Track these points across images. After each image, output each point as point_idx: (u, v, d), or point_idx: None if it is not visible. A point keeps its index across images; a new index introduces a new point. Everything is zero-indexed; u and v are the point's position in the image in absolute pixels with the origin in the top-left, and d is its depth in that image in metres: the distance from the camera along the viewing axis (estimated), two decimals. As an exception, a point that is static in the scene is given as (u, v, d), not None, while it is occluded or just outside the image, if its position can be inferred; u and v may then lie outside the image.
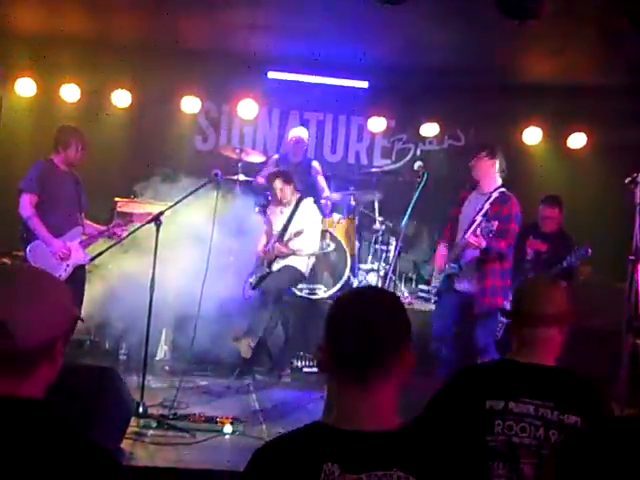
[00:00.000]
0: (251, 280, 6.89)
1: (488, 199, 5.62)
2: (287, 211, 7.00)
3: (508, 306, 6.64)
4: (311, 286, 7.40)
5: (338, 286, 7.36)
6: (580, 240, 6.47)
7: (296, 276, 6.95)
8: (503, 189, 5.69)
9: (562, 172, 8.55)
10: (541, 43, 6.95)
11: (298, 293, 7.34)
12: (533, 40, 6.76)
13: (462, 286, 5.69)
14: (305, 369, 6.87)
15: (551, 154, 8.86)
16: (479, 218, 5.54)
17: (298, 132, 8.19)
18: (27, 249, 5.95)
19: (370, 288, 2.13)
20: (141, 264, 5.74)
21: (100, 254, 4.89)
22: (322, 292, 7.42)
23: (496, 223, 5.35)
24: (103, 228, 6.37)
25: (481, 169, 5.75)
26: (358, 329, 1.76)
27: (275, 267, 6.88)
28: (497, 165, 5.72)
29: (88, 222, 6.44)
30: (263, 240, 7.08)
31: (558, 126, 8.69)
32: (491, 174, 5.73)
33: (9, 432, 1.56)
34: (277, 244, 6.82)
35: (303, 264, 6.93)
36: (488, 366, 2.74)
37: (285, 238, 6.84)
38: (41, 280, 1.74)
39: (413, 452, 1.72)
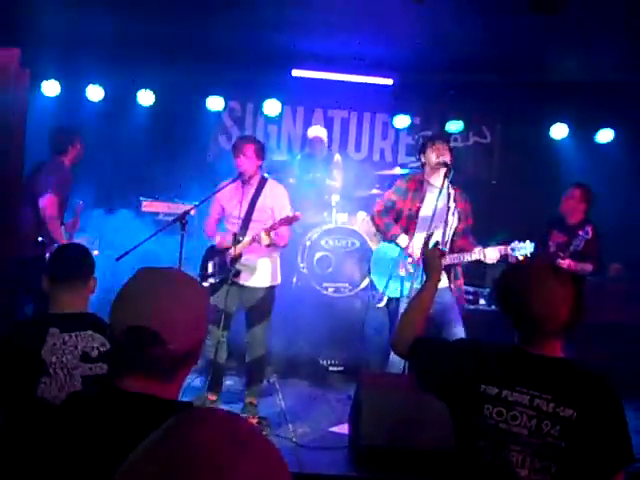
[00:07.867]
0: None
1: (448, 196, 5.56)
2: (250, 192, 5.52)
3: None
4: (336, 284, 7.36)
5: (364, 284, 7.30)
6: (606, 237, 6.33)
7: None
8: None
9: (590, 168, 8.44)
10: (568, 39, 6.86)
11: (323, 292, 7.30)
12: (560, 36, 6.68)
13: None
14: (331, 368, 6.83)
15: (579, 149, 8.76)
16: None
17: (316, 132, 8.12)
18: (46, 254, 5.50)
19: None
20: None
21: (126, 253, 4.89)
22: (347, 291, 7.37)
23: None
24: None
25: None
26: None
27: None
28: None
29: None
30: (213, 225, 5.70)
31: (586, 121, 8.58)
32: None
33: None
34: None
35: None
36: (496, 349, 2.58)
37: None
38: (184, 283, 1.72)
39: None
